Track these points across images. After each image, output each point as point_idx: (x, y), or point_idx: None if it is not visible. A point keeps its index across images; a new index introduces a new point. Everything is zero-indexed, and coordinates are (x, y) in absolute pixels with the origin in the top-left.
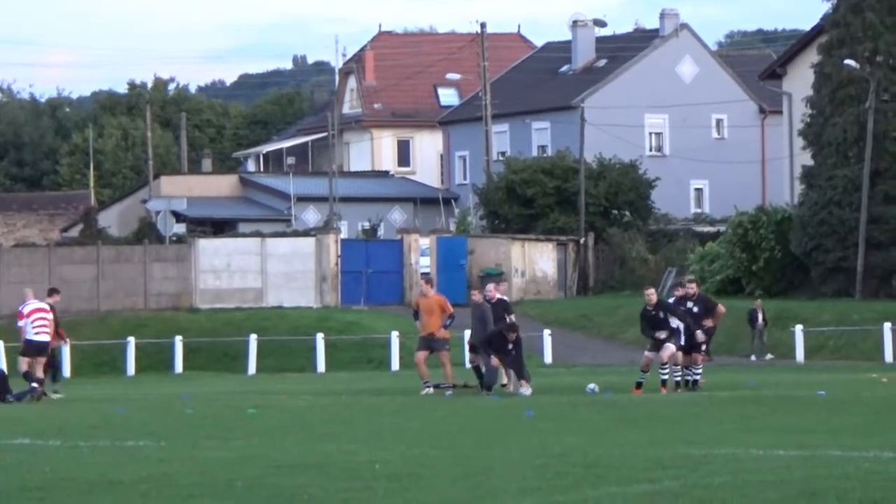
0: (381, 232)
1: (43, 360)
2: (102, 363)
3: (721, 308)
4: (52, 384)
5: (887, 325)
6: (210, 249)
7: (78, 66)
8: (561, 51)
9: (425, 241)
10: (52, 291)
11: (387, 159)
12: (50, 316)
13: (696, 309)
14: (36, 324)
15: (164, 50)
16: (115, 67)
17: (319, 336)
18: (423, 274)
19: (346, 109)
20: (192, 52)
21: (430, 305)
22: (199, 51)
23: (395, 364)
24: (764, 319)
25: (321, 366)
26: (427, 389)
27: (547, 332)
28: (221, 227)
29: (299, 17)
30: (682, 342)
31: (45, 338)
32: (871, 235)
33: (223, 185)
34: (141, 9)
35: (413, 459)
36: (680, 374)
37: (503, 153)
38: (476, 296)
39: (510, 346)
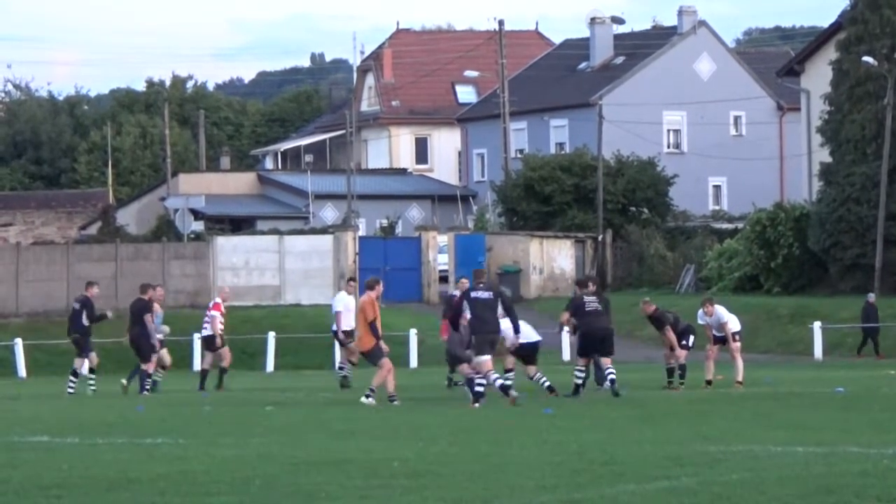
0: (398, 229)
1: None
2: (122, 361)
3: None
4: None
5: None
6: (228, 247)
7: (92, 64)
8: (579, 48)
9: (443, 239)
10: None
11: (405, 156)
12: None
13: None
14: None
15: (174, 47)
16: (129, 66)
17: None
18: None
19: (364, 107)
20: (203, 50)
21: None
22: (210, 48)
23: (414, 361)
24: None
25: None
26: None
27: (566, 329)
28: (239, 225)
29: (308, 14)
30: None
31: None
32: (889, 232)
33: (241, 182)
34: (146, 5)
35: (431, 457)
36: None
37: (521, 150)
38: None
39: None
